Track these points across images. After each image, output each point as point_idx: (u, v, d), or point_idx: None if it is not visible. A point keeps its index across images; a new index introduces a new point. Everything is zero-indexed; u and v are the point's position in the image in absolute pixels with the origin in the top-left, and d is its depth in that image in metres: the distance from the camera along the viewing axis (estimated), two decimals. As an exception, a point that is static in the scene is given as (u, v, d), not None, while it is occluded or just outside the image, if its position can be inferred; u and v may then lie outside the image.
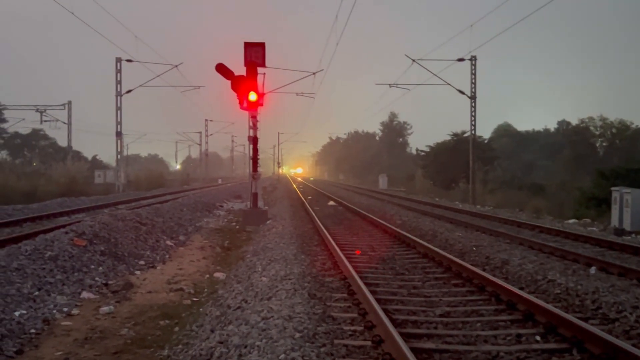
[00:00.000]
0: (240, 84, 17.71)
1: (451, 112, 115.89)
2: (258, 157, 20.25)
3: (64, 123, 47.23)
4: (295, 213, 21.60)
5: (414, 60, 29.50)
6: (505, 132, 63.54)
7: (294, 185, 40.77)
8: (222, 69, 17.62)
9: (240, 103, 18.16)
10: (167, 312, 7.70)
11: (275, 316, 6.04)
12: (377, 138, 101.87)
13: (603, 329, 5.95)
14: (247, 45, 18.39)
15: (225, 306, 7.26)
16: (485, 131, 67.72)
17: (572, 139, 52.15)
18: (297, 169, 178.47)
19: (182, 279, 9.93)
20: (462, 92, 31.69)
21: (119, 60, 35.03)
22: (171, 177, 66.07)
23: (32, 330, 6.52)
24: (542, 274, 8.67)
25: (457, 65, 30.98)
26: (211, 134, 68.36)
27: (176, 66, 33.70)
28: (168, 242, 13.67)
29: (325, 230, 13.88)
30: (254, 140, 19.98)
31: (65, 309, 7.48)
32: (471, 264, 9.51)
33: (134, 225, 13.56)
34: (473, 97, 31.89)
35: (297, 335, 5.41)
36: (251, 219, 18.73)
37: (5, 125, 62.10)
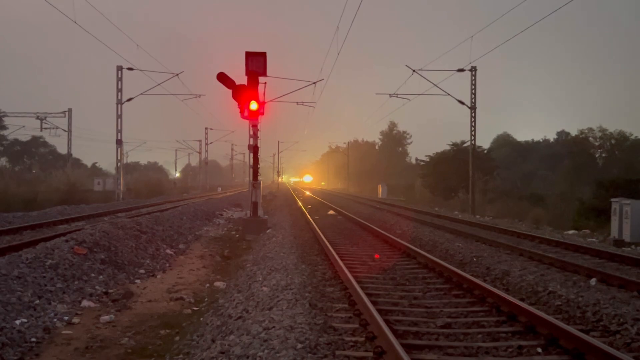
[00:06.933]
0: (242, 93, 17.77)
1: (451, 122, 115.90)
2: (258, 165, 20.28)
3: (64, 130, 47.23)
4: (295, 222, 21.59)
5: (414, 71, 29.56)
6: (504, 142, 63.53)
7: (298, 201, 40.32)
8: (223, 78, 17.69)
9: (241, 112, 18.21)
10: (168, 321, 7.70)
11: (277, 326, 6.04)
12: (377, 147, 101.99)
13: (604, 341, 5.95)
14: (249, 55, 18.46)
15: (226, 316, 7.25)
16: (484, 141, 67.80)
17: (571, 150, 52.18)
18: (305, 176, 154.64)
19: (182, 287, 9.93)
20: (462, 103, 31.78)
21: (120, 68, 35.09)
22: (170, 185, 66.01)
23: (33, 339, 6.51)
24: (543, 286, 8.67)
25: (457, 76, 31.11)
26: (211, 142, 68.46)
27: (177, 75, 33.77)
28: (168, 251, 13.67)
29: (325, 240, 13.87)
30: (254, 149, 20.02)
31: (65, 318, 7.48)
32: (472, 275, 9.51)
33: (134, 233, 13.57)
34: (473, 108, 31.95)
35: (299, 346, 5.41)
36: (251, 227, 18.73)
37: (5, 133, 62.08)
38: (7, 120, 57.62)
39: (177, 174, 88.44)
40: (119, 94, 35.52)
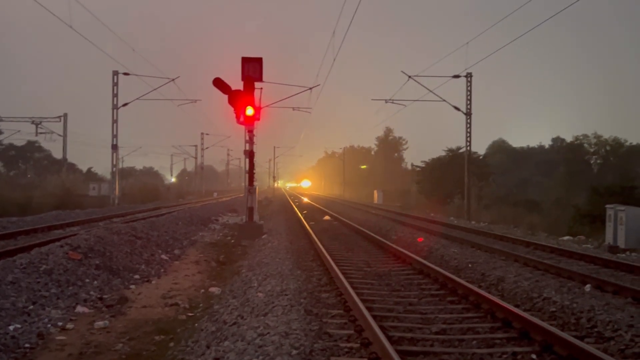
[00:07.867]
0: (238, 99, 17.77)
1: (446, 128, 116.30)
2: (254, 171, 20.28)
3: (60, 135, 47.10)
4: (290, 228, 21.58)
5: (410, 77, 29.66)
6: (500, 148, 63.79)
7: (294, 206, 40.19)
8: (219, 83, 17.68)
9: (237, 117, 18.21)
10: (162, 327, 7.67)
11: (272, 332, 6.03)
12: (373, 153, 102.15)
13: (599, 347, 5.97)
14: (245, 60, 18.49)
15: (221, 322, 7.23)
16: (480, 147, 67.94)
17: (566, 156, 52.44)
18: (303, 181, 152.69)
19: (177, 293, 9.90)
20: (457, 109, 31.87)
21: (116, 73, 35.07)
22: (165, 190, 65.82)
23: (27, 345, 6.48)
24: (538, 292, 8.68)
25: (452, 82, 31.22)
26: (207, 148, 68.41)
27: (173, 80, 33.75)
28: (163, 256, 13.63)
29: (321, 246, 13.86)
30: (250, 154, 20.01)
31: (59, 323, 7.44)
32: (467, 281, 9.52)
33: (129, 239, 13.54)
34: (468, 114, 32.06)
35: (294, 352, 5.40)
36: (247, 233, 18.70)
37: (0, 137, 61.91)
38: (2, 125, 57.20)
39: (173, 179, 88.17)
40: (115, 98, 35.49)
